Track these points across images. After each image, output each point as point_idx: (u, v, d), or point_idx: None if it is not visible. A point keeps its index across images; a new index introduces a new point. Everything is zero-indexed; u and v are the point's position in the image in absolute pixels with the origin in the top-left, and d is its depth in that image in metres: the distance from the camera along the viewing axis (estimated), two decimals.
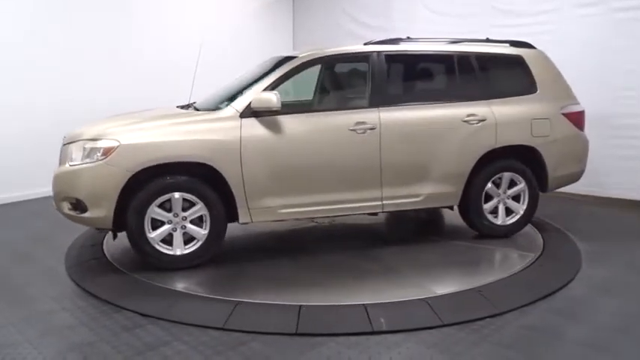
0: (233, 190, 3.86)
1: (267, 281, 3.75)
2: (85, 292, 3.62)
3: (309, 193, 4.06)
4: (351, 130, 4.06)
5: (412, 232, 5.12)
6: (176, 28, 7.58)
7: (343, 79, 4.99)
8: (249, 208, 3.93)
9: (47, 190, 4.20)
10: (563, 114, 4.59)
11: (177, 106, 4.47)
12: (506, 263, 4.07)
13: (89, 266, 4.10)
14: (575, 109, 4.68)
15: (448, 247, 4.42)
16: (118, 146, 3.67)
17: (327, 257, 4.21)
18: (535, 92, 4.57)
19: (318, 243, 4.68)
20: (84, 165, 3.71)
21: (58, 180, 3.85)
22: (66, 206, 3.84)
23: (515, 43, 4.71)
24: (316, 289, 3.58)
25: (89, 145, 3.74)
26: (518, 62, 4.59)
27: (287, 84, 4.17)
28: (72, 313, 3.31)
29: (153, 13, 7.38)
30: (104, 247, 4.47)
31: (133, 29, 7.19)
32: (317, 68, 4.82)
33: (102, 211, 3.69)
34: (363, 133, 4.07)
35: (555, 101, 4.60)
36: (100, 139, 3.73)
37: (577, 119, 4.66)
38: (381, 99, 4.20)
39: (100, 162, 3.66)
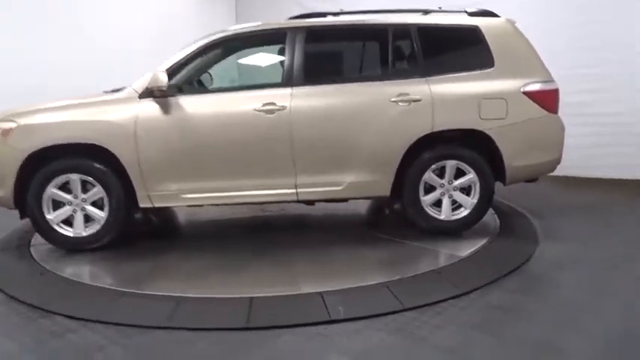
0: (129, 174, 3.74)
1: (213, 273, 3.49)
2: (6, 296, 3.21)
3: (214, 179, 3.85)
4: (258, 110, 3.78)
5: (369, 221, 4.86)
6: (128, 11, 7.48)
7: (259, 57, 4.69)
8: (148, 193, 3.79)
9: None
10: (525, 93, 3.93)
11: (104, 91, 4.11)
12: (463, 244, 3.84)
13: (12, 268, 3.69)
14: (540, 87, 3.95)
15: (405, 237, 4.08)
16: (15, 127, 3.73)
17: (278, 247, 3.95)
18: (490, 67, 3.96)
19: (268, 232, 4.43)
20: None
21: None
22: None
23: (473, 13, 4.15)
24: (267, 280, 3.32)
25: None
26: (472, 34, 3.99)
27: (232, 70, 3.92)
28: None
29: None
30: (30, 247, 4.05)
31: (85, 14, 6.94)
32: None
33: (1, 191, 3.76)
34: (271, 114, 3.79)
35: (515, 78, 3.93)
36: (2, 121, 3.79)
37: (544, 99, 3.95)
38: (297, 77, 3.87)
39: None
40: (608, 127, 5.92)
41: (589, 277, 3.33)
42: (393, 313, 2.84)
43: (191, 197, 3.86)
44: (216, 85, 4.34)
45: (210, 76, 4.35)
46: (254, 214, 4.96)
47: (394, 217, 4.34)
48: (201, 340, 2.63)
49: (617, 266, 3.49)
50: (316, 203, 4.29)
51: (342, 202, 4.25)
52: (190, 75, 4.08)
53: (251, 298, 2.99)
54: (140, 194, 3.82)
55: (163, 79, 3.65)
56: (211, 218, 4.91)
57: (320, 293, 3.02)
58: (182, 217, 5.05)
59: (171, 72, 3.83)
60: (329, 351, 2.50)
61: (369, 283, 3.16)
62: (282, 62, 3.99)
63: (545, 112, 3.98)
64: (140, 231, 4.66)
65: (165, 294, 3.11)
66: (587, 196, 5.55)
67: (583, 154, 5.92)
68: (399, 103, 3.85)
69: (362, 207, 5.08)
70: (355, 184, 3.89)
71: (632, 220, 4.61)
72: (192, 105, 3.82)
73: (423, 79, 3.92)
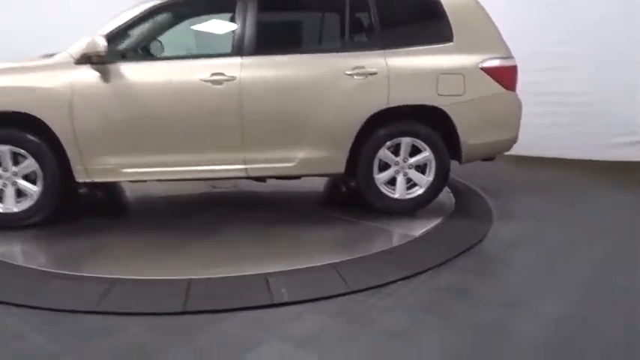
0: (64, 145, 3.48)
1: (153, 253, 3.30)
2: None
3: (156, 153, 3.62)
4: (205, 80, 3.55)
5: (324, 199, 4.72)
6: None
7: (210, 25, 4.38)
8: (85, 166, 3.55)
9: None
10: (483, 69, 3.79)
11: (43, 55, 3.79)
12: (417, 223, 3.75)
13: None
14: (499, 63, 3.82)
15: (359, 216, 3.92)
16: None
17: (225, 225, 3.76)
18: (450, 42, 3.80)
19: (216, 209, 4.24)
20: None
21: None
22: None
23: None
24: (210, 261, 3.14)
25: None
26: (432, 6, 3.82)
27: (189, 39, 3.67)
28: None
29: None
30: None
31: None
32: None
33: None
34: (220, 84, 3.55)
35: (474, 53, 3.79)
36: None
37: (502, 76, 3.82)
38: (248, 46, 3.64)
39: None
40: (569, 106, 5.89)
41: (543, 257, 3.28)
42: (340, 295, 2.71)
43: (132, 172, 3.63)
44: (168, 54, 4.07)
45: (161, 44, 4.08)
46: (204, 191, 4.74)
47: (350, 195, 4.19)
48: (133, 325, 2.44)
49: (572, 246, 3.46)
50: (268, 180, 4.12)
51: (294, 179, 4.09)
52: (134, 41, 3.83)
53: (190, 280, 2.80)
54: (76, 168, 3.57)
55: (101, 44, 3.37)
56: (159, 194, 4.68)
57: (264, 275, 2.87)
58: (129, 192, 4.80)
59: (112, 37, 3.55)
60: (270, 337, 2.35)
61: (317, 265, 3.02)
62: (233, 31, 3.74)
63: (503, 90, 3.86)
64: (80, 207, 4.40)
65: (100, 275, 2.90)
66: (544, 175, 5.55)
67: (542, 133, 5.88)
68: (355, 77, 3.67)
69: (318, 184, 4.92)
70: (307, 160, 3.72)
71: (588, 200, 4.61)
72: (134, 73, 3.56)
73: (380, 51, 3.74)
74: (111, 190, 4.80)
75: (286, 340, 2.32)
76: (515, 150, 4.20)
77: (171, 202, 4.55)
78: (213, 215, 4.03)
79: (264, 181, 4.18)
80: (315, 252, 3.28)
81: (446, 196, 4.43)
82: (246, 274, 2.91)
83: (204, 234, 3.58)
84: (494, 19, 3.96)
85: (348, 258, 3.12)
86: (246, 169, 3.71)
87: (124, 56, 3.68)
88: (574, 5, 5.74)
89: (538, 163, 5.97)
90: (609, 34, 5.55)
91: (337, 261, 3.06)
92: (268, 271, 2.90)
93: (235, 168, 3.70)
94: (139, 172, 3.63)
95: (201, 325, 2.45)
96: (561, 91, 5.93)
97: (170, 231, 3.67)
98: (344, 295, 2.72)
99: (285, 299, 2.66)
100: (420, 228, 3.65)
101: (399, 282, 2.87)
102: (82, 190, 4.70)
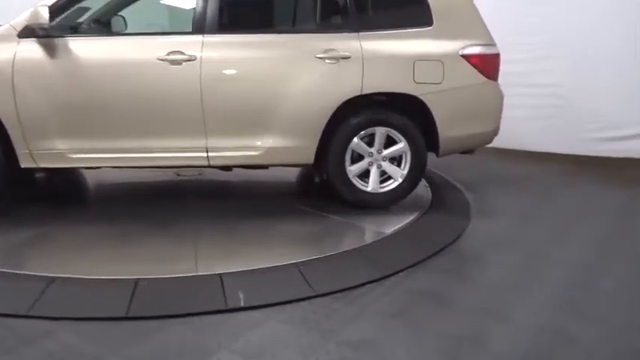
0: (6, 127, 3.18)
1: (102, 247, 3.01)
2: None
3: (109, 137, 3.33)
4: (162, 60, 3.26)
5: (294, 191, 4.43)
6: None
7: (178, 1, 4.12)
8: (30, 151, 3.25)
9: None
10: (464, 56, 3.54)
11: None
12: (391, 219, 3.51)
13: None
14: (480, 50, 3.57)
15: (330, 210, 3.67)
16: None
17: (184, 217, 3.49)
18: (428, 26, 3.54)
19: (177, 199, 3.97)
20: None
21: None
22: None
23: None
24: (163, 257, 2.87)
25: None
26: None
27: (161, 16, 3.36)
28: None
29: None
30: None
31: None
32: None
33: None
34: (178, 64, 3.27)
35: (454, 39, 3.54)
36: None
37: (484, 64, 3.58)
38: (210, 24, 3.35)
39: None
40: (550, 98, 5.71)
41: (521, 259, 3.07)
42: (302, 300, 2.47)
43: (82, 158, 3.33)
44: (123, 30, 3.73)
45: (119, 19, 3.75)
46: (168, 178, 4.45)
47: (323, 187, 3.93)
48: (66, 332, 2.17)
49: (551, 247, 3.26)
50: (237, 169, 3.84)
51: (261, 169, 3.82)
52: (86, 14, 3.49)
53: (137, 280, 2.53)
54: (21, 152, 3.26)
55: (44, 15, 3.04)
56: (120, 181, 4.39)
57: (220, 275, 2.61)
58: (89, 178, 4.48)
59: (59, 8, 3.23)
60: (219, 349, 2.10)
61: (279, 264, 2.77)
62: (194, 7, 3.42)
63: (484, 79, 3.61)
64: (30, 195, 4.08)
65: (38, 274, 2.61)
66: (523, 169, 5.37)
67: (522, 126, 5.70)
68: (326, 60, 3.40)
69: (290, 174, 4.66)
70: (274, 149, 3.45)
71: (567, 197, 4.44)
72: (85, 49, 3.25)
73: (355, 34, 3.47)
74: (69, 175, 4.48)
75: (237, 354, 2.07)
76: (494, 142, 3.98)
77: (132, 190, 4.26)
78: (174, 206, 3.76)
79: (230, 170, 3.91)
80: (279, 249, 3.02)
81: (423, 189, 4.22)
82: (200, 273, 2.66)
83: (160, 226, 3.30)
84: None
85: (313, 257, 2.87)
86: (207, 157, 3.43)
87: (75, 30, 3.35)
88: None
89: (517, 157, 5.79)
90: (595, 23, 5.36)
91: (301, 260, 2.81)
92: (224, 271, 2.64)
93: (196, 156, 3.42)
94: (90, 157, 3.34)
95: (142, 332, 2.19)
96: (542, 82, 5.74)
97: (125, 222, 3.38)
98: (306, 299, 2.48)
99: (241, 304, 2.41)
100: (393, 224, 3.42)
101: (368, 285, 2.64)
102: (39, 176, 4.42)
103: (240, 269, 2.67)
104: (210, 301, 2.42)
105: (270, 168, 3.81)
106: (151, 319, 2.30)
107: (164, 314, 2.31)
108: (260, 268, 2.70)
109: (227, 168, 3.82)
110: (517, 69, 5.35)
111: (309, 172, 4.66)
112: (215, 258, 2.87)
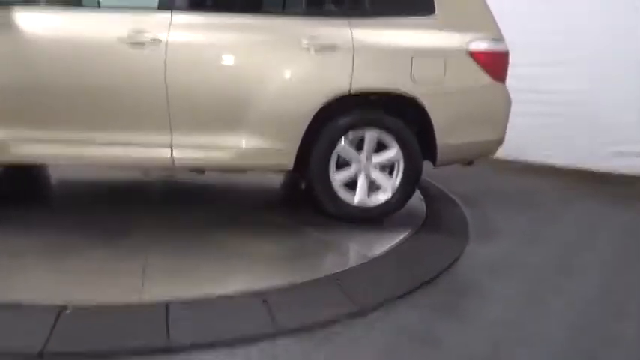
0: None
1: (30, 264, 2.55)
2: None
3: (56, 129, 2.88)
4: (122, 40, 2.80)
5: (273, 199, 3.99)
6: None
7: None
8: None
9: None
10: (470, 52, 3.10)
11: None
12: (378, 238, 3.05)
13: None
14: (488, 46, 3.11)
15: (310, 223, 3.21)
16: None
17: (137, 227, 2.99)
18: (430, 14, 3.09)
19: (137, 205, 3.49)
20: None
21: None
22: None
23: None
24: (102, 278, 2.39)
25: None
26: None
27: None
28: None
29: None
30: None
31: None
32: None
33: None
34: (140, 47, 2.83)
35: (459, 31, 3.09)
36: None
37: (492, 63, 3.13)
38: (179, 1, 2.93)
39: None
40: (558, 106, 5.24)
41: (523, 290, 2.65)
42: (262, 338, 2.02)
43: (24, 151, 2.87)
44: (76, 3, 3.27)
45: None
46: (133, 179, 3.97)
47: (309, 196, 3.47)
48: None
49: (556, 276, 2.83)
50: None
51: (237, 172, 3.38)
52: None
53: (61, 308, 2.06)
54: None
55: None
56: (76, 179, 3.92)
57: (166, 303, 2.14)
58: (44, 175, 4.01)
59: None
60: None
61: (239, 290, 2.31)
62: None
63: (490, 80, 3.16)
64: None
65: None
66: (527, 184, 4.91)
67: (526, 135, 5.22)
68: (311, 50, 2.95)
69: (272, 179, 4.17)
70: (246, 151, 2.99)
71: (574, 216, 3.99)
72: (29, 24, 2.79)
73: (345, 20, 3.02)
74: (20, 171, 4.01)
75: None
76: (499, 152, 3.54)
77: (89, 191, 3.79)
78: (132, 212, 3.27)
79: (203, 173, 3.47)
80: (242, 273, 2.56)
81: (417, 202, 3.75)
82: (142, 300, 2.19)
83: (109, 238, 2.81)
84: None
85: (282, 283, 2.40)
86: (172, 157, 2.98)
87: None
88: None
89: (520, 169, 5.32)
90: (614, 27, 4.90)
91: (267, 287, 2.34)
92: (171, 298, 2.18)
93: (159, 154, 2.97)
94: (33, 152, 2.88)
95: None
96: (550, 88, 5.26)
97: (70, 230, 2.90)
98: (268, 337, 2.03)
99: (186, 341, 1.95)
100: (380, 244, 2.95)
101: (344, 321, 2.19)
102: None
103: (191, 296, 2.21)
104: (149, 336, 1.97)
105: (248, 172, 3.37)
106: (71, 356, 1.85)
107: (87, 352, 1.87)
108: (216, 297, 2.23)
109: (199, 170, 3.39)
110: (523, 72, 4.88)
111: (294, 177, 4.20)
112: (164, 281, 2.38)
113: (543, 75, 5.26)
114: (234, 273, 2.55)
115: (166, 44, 2.83)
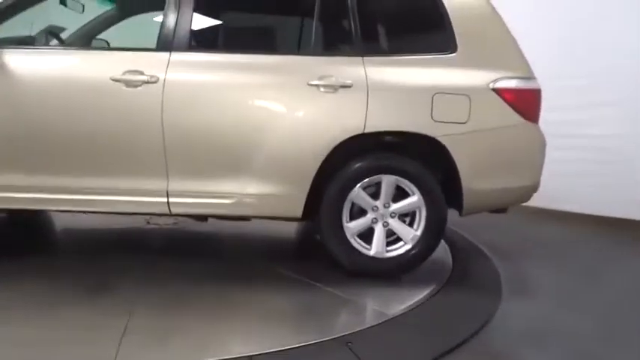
0: None
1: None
2: None
3: (43, 173, 2.68)
4: (116, 80, 2.63)
5: (285, 248, 3.66)
6: None
7: (124, 8, 3.36)
8: None
9: None
10: (497, 90, 2.81)
11: None
12: (397, 295, 2.70)
13: None
14: (517, 84, 2.84)
15: (322, 278, 2.87)
16: None
17: (127, 280, 2.71)
18: (451, 52, 2.84)
19: (131, 254, 3.24)
20: None
21: None
22: None
23: None
24: (67, 340, 2.06)
25: None
26: (429, 3, 2.86)
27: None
28: None
29: None
30: None
31: None
32: None
33: None
34: (136, 87, 2.63)
35: (484, 69, 2.83)
36: None
37: (521, 101, 2.84)
38: (179, 39, 2.72)
39: None
40: (596, 152, 4.89)
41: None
42: None
43: (7, 197, 2.67)
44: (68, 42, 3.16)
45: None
46: (135, 226, 3.74)
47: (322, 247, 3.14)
48: None
49: (599, 347, 2.40)
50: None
51: (240, 220, 3.10)
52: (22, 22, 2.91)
53: None
54: None
55: None
56: (72, 226, 3.73)
57: None
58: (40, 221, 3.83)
59: None
60: None
61: (233, 356, 1.98)
62: (163, 21, 2.79)
63: (521, 120, 2.85)
64: None
65: None
66: (565, 235, 4.53)
67: (562, 182, 4.85)
68: (321, 88, 2.71)
69: (284, 228, 3.87)
70: (251, 197, 2.74)
71: (618, 274, 3.56)
72: (16, 63, 2.64)
73: (359, 58, 2.78)
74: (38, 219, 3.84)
75: None
76: (530, 201, 3.18)
77: (84, 238, 3.63)
78: (125, 262, 3.01)
79: (205, 220, 3.21)
80: (239, 333, 2.23)
81: (442, 254, 3.41)
82: None
83: (92, 292, 2.52)
84: None
85: (282, 348, 2.07)
86: (168, 203, 2.74)
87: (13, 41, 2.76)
88: (612, 24, 4.74)
89: (557, 218, 4.93)
90: None
91: (264, 352, 2.01)
92: None
93: (153, 201, 2.74)
94: (13, 197, 2.67)
95: None
96: (588, 133, 4.95)
97: (51, 283, 2.63)
98: None
99: None
100: (399, 303, 2.59)
101: None
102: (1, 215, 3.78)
103: None
104: None
105: (250, 220, 3.09)
106: None
107: None
108: None
109: (202, 217, 3.13)
110: (559, 116, 4.57)
111: (308, 226, 3.89)
112: (141, 345, 2.05)
113: (578, 119, 4.95)
114: (230, 335, 2.23)
115: (164, 84, 2.65)
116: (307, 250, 3.70)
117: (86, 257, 3.14)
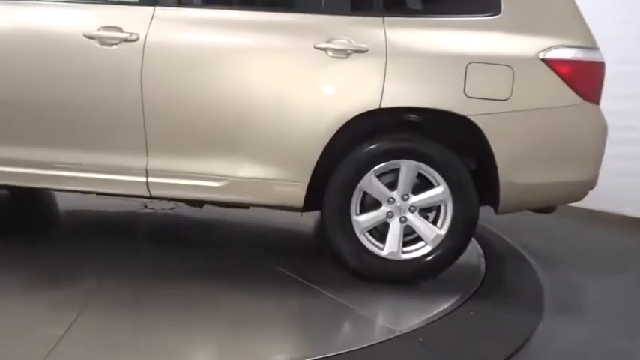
0: None
1: None
2: None
3: (7, 144, 2.36)
4: (90, 37, 2.26)
5: (288, 244, 3.21)
6: None
7: None
8: None
9: None
10: (547, 61, 2.29)
11: None
12: (413, 305, 2.27)
13: None
14: (576, 55, 2.32)
15: (326, 281, 2.43)
16: None
17: (109, 272, 2.35)
18: (493, 14, 2.32)
19: (122, 241, 2.89)
20: None
21: None
22: None
23: None
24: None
25: None
26: None
27: None
28: None
29: None
30: None
31: None
32: None
33: None
34: (111, 46, 2.26)
35: (534, 35, 2.32)
36: None
37: (581, 76, 2.34)
38: None
39: None
40: None
41: None
42: None
43: None
44: None
45: None
46: (131, 210, 3.40)
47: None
48: None
49: None
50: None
51: (236, 207, 2.69)
52: None
53: None
54: None
55: None
56: (74, 207, 3.43)
57: None
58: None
59: None
60: None
61: None
62: None
63: (578, 99, 2.32)
64: None
65: None
66: (621, 241, 3.95)
67: (617, 182, 4.26)
68: (329, 53, 2.26)
69: (292, 217, 3.44)
70: (243, 182, 2.34)
71: None
72: None
73: (379, 18, 2.32)
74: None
75: None
76: (582, 200, 2.64)
77: (76, 220, 3.31)
78: (111, 251, 2.66)
79: (201, 207, 2.82)
80: (225, 344, 1.83)
81: (474, 258, 2.92)
82: None
83: (54, 280, 2.20)
84: None
85: None
86: (147, 183, 2.36)
87: None
88: None
89: (612, 222, 4.34)
90: None
91: None
92: None
93: (130, 180, 2.37)
94: None
95: None
96: None
97: (31, 269, 2.33)
98: None
99: None
100: (415, 316, 2.13)
101: None
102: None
103: None
104: None
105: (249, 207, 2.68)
106: None
107: None
108: None
109: (196, 203, 2.75)
110: (616, 107, 3.98)
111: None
112: (112, 352, 1.68)
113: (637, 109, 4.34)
114: (215, 342, 1.83)
115: (145, 43, 2.27)
116: (308, 246, 3.26)
117: (65, 242, 2.82)
